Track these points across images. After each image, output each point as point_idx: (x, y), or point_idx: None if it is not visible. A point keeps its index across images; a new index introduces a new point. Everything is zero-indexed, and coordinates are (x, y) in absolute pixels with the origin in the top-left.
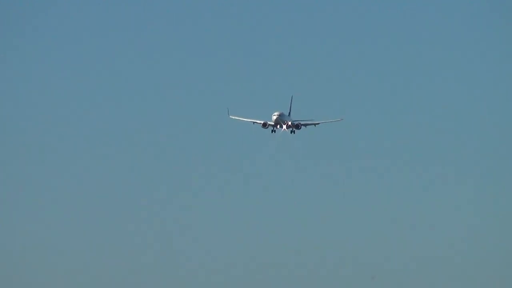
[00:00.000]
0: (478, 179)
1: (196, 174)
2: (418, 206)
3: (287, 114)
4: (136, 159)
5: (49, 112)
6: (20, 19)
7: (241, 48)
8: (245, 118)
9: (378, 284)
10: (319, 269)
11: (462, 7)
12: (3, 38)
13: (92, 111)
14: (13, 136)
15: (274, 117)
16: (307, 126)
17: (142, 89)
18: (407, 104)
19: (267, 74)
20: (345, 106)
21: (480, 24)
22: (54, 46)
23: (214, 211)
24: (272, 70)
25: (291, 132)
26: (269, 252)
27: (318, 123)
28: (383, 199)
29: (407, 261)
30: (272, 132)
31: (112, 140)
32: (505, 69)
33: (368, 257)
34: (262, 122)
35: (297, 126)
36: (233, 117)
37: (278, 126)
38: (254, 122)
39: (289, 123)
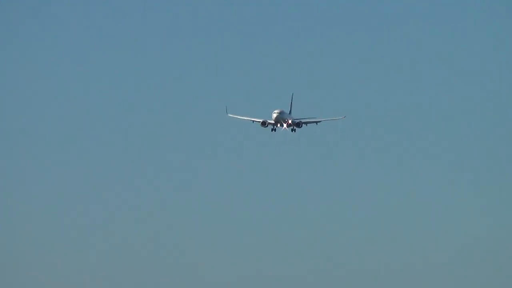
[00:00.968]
0: (485, 179)
1: (196, 174)
2: (422, 205)
3: (288, 112)
4: (133, 159)
5: (49, 111)
6: (20, 19)
7: (240, 44)
8: (244, 116)
9: (378, 284)
10: (319, 269)
11: (467, 5)
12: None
13: (89, 108)
14: (13, 136)
15: (274, 115)
16: (308, 125)
17: (138, 87)
18: (412, 102)
19: (266, 71)
20: (347, 103)
21: (490, 22)
22: (53, 45)
23: (214, 211)
24: (271, 67)
25: (291, 131)
26: (269, 252)
27: (319, 121)
28: (387, 198)
29: (409, 261)
30: (272, 131)
31: (109, 139)
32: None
33: (371, 256)
34: (261, 120)
35: (298, 125)
36: (232, 116)
37: (279, 125)
38: (253, 121)
39: (290, 121)
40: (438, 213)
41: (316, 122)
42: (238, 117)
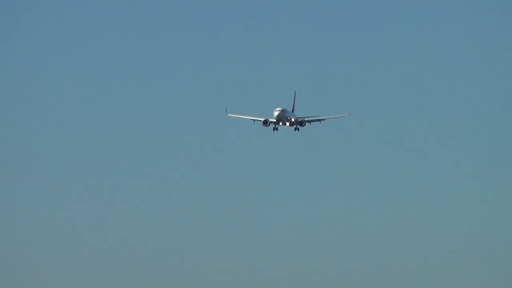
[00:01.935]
0: (485, 178)
1: (195, 175)
2: (426, 204)
3: (291, 110)
4: (133, 159)
5: (48, 111)
6: (20, 19)
7: (241, 41)
8: (244, 115)
9: (378, 284)
10: (319, 269)
11: (470, 6)
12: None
13: (89, 108)
14: (14, 136)
15: (276, 114)
16: (311, 123)
17: (138, 86)
18: (417, 100)
19: (268, 69)
20: (352, 100)
21: (490, 23)
22: (53, 45)
23: (214, 211)
24: (273, 64)
25: (295, 130)
26: (270, 252)
27: (323, 119)
28: (390, 197)
29: (410, 260)
30: (274, 130)
31: (109, 139)
32: None
33: (374, 256)
34: (263, 119)
35: (301, 123)
36: (232, 115)
37: (281, 123)
38: (254, 120)
39: (293, 119)
40: (446, 213)
41: (320, 120)
42: (239, 116)
